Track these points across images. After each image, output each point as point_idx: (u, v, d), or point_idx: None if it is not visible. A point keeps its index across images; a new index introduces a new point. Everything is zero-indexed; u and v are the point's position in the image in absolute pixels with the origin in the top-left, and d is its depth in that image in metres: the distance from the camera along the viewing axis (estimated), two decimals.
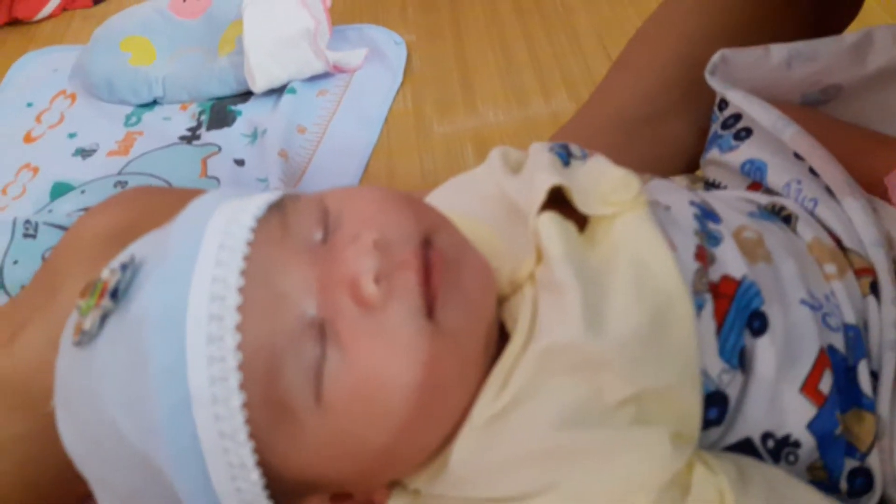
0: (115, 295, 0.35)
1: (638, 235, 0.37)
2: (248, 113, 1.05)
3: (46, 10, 1.26)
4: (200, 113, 1.06)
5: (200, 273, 0.33)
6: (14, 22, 1.25)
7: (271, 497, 0.35)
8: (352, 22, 1.17)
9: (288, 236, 0.36)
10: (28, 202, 0.99)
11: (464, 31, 1.14)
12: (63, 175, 1.01)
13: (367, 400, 0.33)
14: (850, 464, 0.39)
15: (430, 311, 0.34)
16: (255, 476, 0.34)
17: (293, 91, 1.04)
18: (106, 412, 0.34)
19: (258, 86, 1.04)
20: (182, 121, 1.06)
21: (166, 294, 0.34)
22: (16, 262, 0.92)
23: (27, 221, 0.94)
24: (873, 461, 0.39)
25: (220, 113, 1.05)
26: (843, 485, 0.39)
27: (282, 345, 0.33)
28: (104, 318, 0.35)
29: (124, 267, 0.35)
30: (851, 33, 0.54)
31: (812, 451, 0.38)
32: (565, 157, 0.43)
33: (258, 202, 0.37)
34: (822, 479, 0.38)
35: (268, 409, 0.33)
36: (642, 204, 0.38)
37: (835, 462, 0.38)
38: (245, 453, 0.33)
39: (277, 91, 1.06)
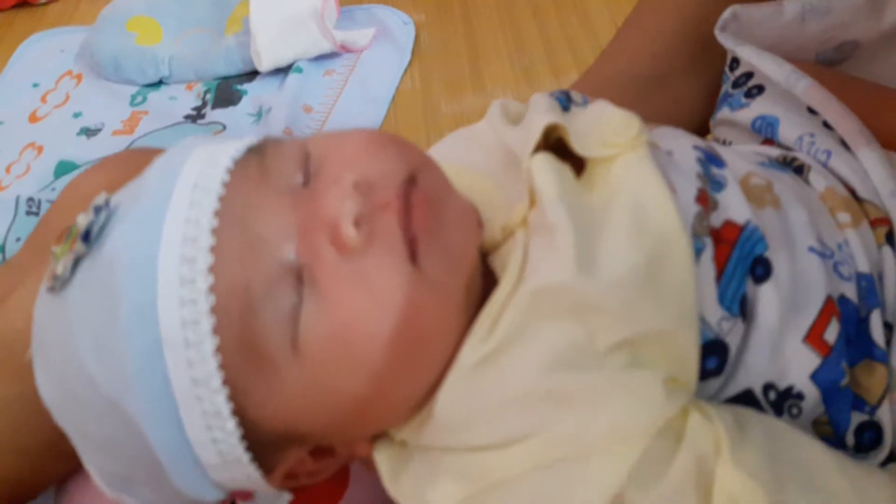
0: (87, 238, 0.33)
1: (636, 176, 0.35)
2: (254, 92, 1.04)
3: None
4: (206, 92, 1.05)
5: (173, 213, 0.32)
6: (22, 4, 1.25)
7: (249, 449, 0.33)
8: (360, 2, 1.15)
9: (267, 179, 0.34)
10: (32, 180, 0.98)
11: (473, 11, 1.12)
12: (67, 154, 1.00)
13: (345, 348, 0.32)
14: (857, 418, 0.36)
15: (412, 255, 0.32)
16: (230, 425, 0.32)
17: (300, 70, 1.03)
18: (78, 358, 0.33)
19: (264, 65, 1.03)
20: (188, 100, 1.05)
21: (138, 235, 0.32)
22: (18, 240, 0.91)
23: (30, 199, 0.93)
24: (883, 414, 0.36)
25: (226, 92, 1.04)
26: (850, 439, 0.36)
27: (257, 288, 0.32)
28: (77, 262, 0.34)
29: (98, 210, 0.34)
30: None
31: (816, 405, 0.36)
32: (565, 102, 0.41)
33: (237, 145, 0.35)
34: (827, 434, 0.36)
35: (242, 356, 0.32)
36: (642, 144, 0.36)
37: (840, 415, 0.36)
38: (220, 401, 0.32)
39: (284, 70, 1.04)
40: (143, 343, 0.31)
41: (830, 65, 0.55)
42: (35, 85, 1.12)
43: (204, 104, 1.03)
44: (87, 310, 0.33)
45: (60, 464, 0.58)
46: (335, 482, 0.58)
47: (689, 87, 0.59)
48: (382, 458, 0.36)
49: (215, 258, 0.31)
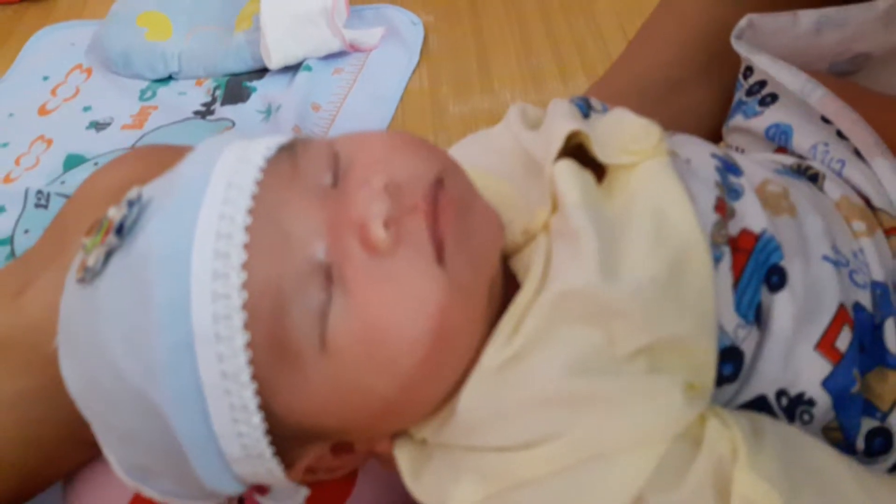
0: (120, 231, 0.34)
1: (657, 184, 0.36)
2: (263, 89, 1.04)
3: None
4: (215, 88, 1.06)
5: (207, 210, 0.32)
6: None
7: (272, 444, 0.34)
8: (370, 2, 1.16)
9: (298, 178, 0.35)
10: (41, 173, 0.99)
11: (482, 13, 1.13)
12: (77, 147, 1.01)
13: (372, 347, 0.32)
14: (868, 424, 0.37)
15: (439, 257, 0.33)
16: (256, 420, 0.33)
17: (309, 68, 1.04)
18: (106, 350, 0.33)
19: (274, 62, 1.03)
20: (197, 96, 1.06)
21: (172, 230, 0.32)
22: (27, 232, 0.92)
23: (39, 192, 0.94)
24: (894, 421, 0.37)
25: (235, 89, 1.05)
26: (860, 444, 0.37)
27: (288, 286, 0.32)
28: (109, 254, 0.34)
29: (131, 204, 0.34)
30: (882, 0, 0.52)
31: (827, 411, 0.36)
32: (585, 109, 0.42)
33: (269, 143, 0.36)
34: (837, 439, 0.37)
35: (271, 352, 0.32)
36: (663, 153, 0.37)
37: (851, 422, 0.37)
38: (247, 395, 0.32)
39: (293, 68, 1.05)
40: (175, 336, 0.31)
41: (843, 75, 0.55)
42: (45, 78, 1.13)
43: (213, 100, 1.04)
44: (118, 302, 0.33)
45: (73, 456, 0.59)
46: (343, 480, 0.59)
47: (704, 95, 0.59)
48: (403, 456, 0.36)
49: (248, 255, 0.32)
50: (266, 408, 0.33)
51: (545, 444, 0.32)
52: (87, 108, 1.07)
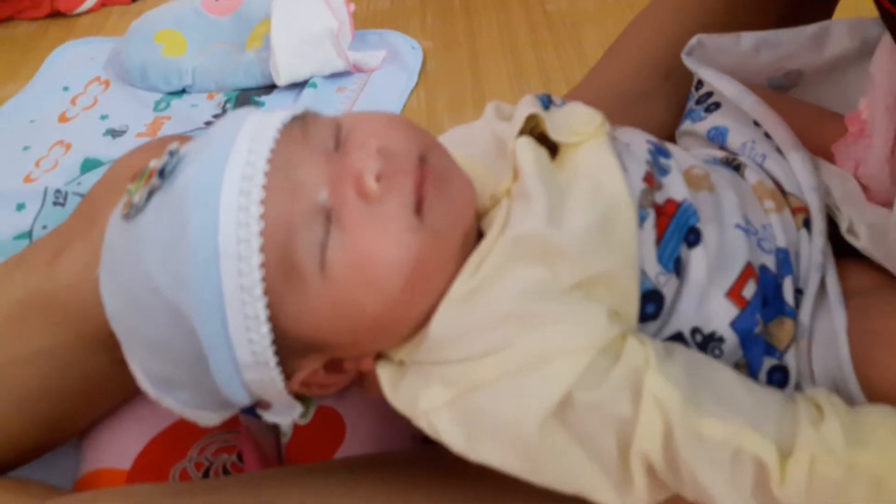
0: (161, 174, 0.43)
1: (596, 157, 0.45)
2: (271, 104, 1.14)
3: (86, 4, 1.37)
4: (226, 102, 1.15)
5: (234, 158, 0.42)
6: (55, 14, 1.36)
7: (276, 353, 0.43)
8: (373, 27, 1.26)
9: (307, 141, 0.44)
10: (59, 174, 1.07)
11: (478, 40, 1.23)
12: (93, 152, 1.09)
13: (361, 272, 0.41)
14: (769, 362, 0.46)
15: (417, 209, 0.42)
16: (265, 329, 0.41)
17: (314, 86, 1.13)
18: (145, 268, 0.42)
19: (282, 79, 1.13)
20: (208, 108, 1.15)
21: (206, 172, 0.42)
22: (45, 227, 0.99)
23: (57, 191, 1.02)
24: (790, 359, 0.46)
25: (245, 102, 1.14)
26: (763, 379, 0.46)
27: (296, 221, 0.41)
28: (151, 193, 0.43)
29: (171, 154, 0.44)
30: (812, 25, 0.62)
31: (735, 349, 0.45)
32: (546, 103, 0.51)
33: (284, 113, 0.45)
34: (744, 375, 0.45)
35: (280, 271, 0.41)
36: (603, 134, 0.46)
37: (755, 359, 0.45)
38: (259, 307, 0.41)
39: (299, 85, 1.15)
40: (205, 253, 0.40)
41: (781, 90, 0.65)
42: (65, 88, 1.22)
43: (223, 112, 1.13)
44: (158, 229, 0.42)
45: (91, 410, 0.67)
46: (333, 433, 0.67)
47: (661, 106, 0.69)
48: (384, 373, 0.45)
49: (265, 194, 0.41)
50: (273, 320, 0.42)
51: (498, 353, 0.41)
52: (104, 117, 1.16)
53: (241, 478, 0.58)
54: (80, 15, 1.37)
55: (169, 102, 1.18)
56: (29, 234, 0.98)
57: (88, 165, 1.08)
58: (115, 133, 1.13)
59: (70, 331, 0.61)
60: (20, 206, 1.00)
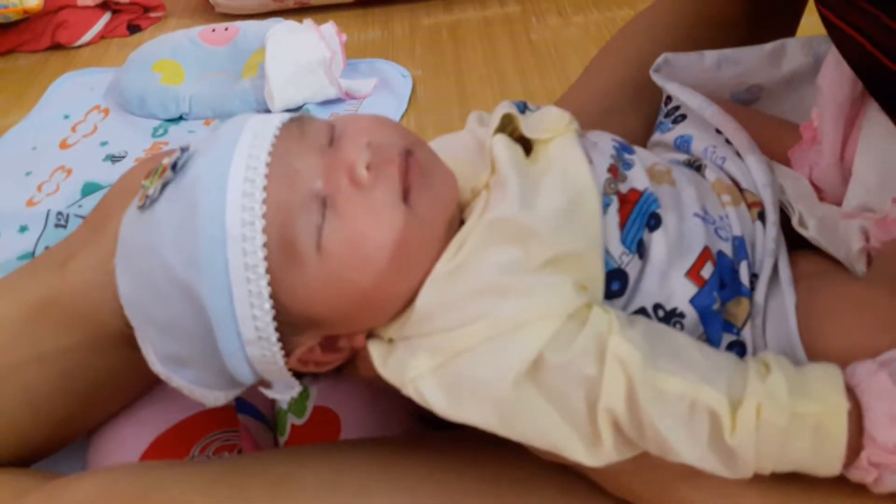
0: (174, 168, 0.49)
1: (565, 150, 0.52)
2: None
3: (86, 37, 1.44)
4: None
5: (240, 151, 0.47)
6: (56, 46, 1.43)
7: (277, 329, 0.48)
8: (364, 56, 1.34)
9: (304, 138, 0.50)
10: (61, 198, 1.13)
11: (465, 69, 1.31)
12: (94, 176, 1.15)
13: (354, 251, 0.47)
14: (728, 338, 0.51)
15: (404, 196, 0.48)
16: (267, 305, 0.47)
17: (308, 112, 1.20)
18: (159, 254, 0.48)
19: (276, 105, 1.20)
20: (204, 134, 1.21)
21: (215, 163, 0.47)
22: (47, 248, 1.05)
23: (59, 213, 1.07)
24: (746, 335, 0.52)
25: None
26: None
27: (294, 205, 0.47)
28: (164, 185, 0.49)
29: (183, 150, 0.49)
30: (769, 43, 0.69)
31: (696, 325, 0.51)
32: (521, 108, 0.57)
33: (283, 115, 0.51)
34: None
35: (281, 251, 0.47)
36: (572, 131, 0.53)
37: (714, 334, 0.51)
38: (262, 284, 0.46)
39: (293, 111, 1.21)
40: (213, 234, 0.46)
41: (744, 104, 0.71)
42: (66, 116, 1.29)
43: None
44: (171, 215, 0.48)
45: (98, 410, 0.72)
46: (329, 431, 0.72)
47: (632, 120, 0.75)
48: (374, 349, 0.50)
49: (267, 182, 0.47)
50: (274, 297, 0.47)
51: (477, 322, 0.46)
52: (103, 143, 1.23)
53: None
54: (80, 47, 1.45)
55: (167, 129, 1.24)
56: (32, 255, 1.03)
57: (89, 189, 1.14)
58: (114, 158, 1.19)
59: (80, 332, 0.66)
60: (23, 228, 1.06)
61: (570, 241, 0.48)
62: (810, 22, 0.76)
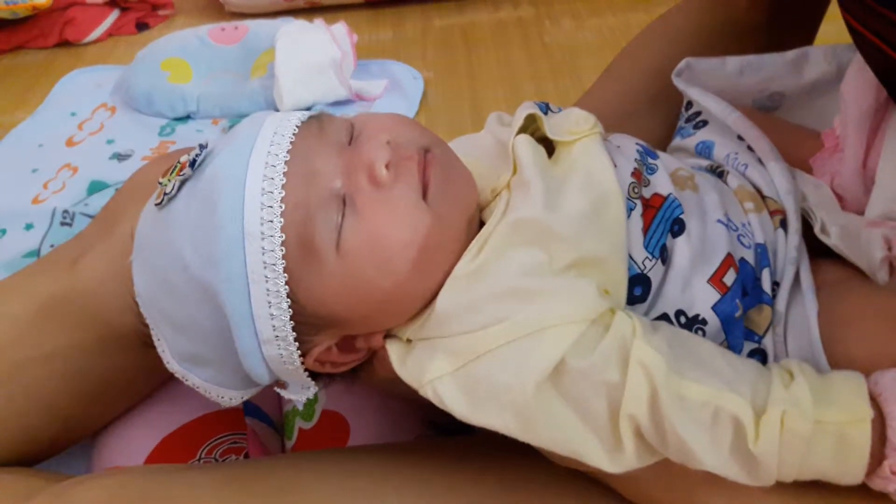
0: (192, 165, 0.49)
1: (589, 153, 0.52)
2: None
3: (95, 34, 1.45)
4: (230, 127, 1.21)
5: (258, 149, 0.48)
6: (64, 43, 1.43)
7: (294, 329, 0.48)
8: (376, 57, 1.34)
9: (323, 136, 0.50)
10: (67, 196, 1.13)
11: (477, 71, 1.31)
12: (100, 175, 1.15)
13: (373, 251, 0.47)
14: (749, 346, 0.52)
15: (424, 194, 0.48)
16: (285, 304, 0.47)
17: None
18: (176, 250, 0.48)
19: (285, 105, 1.20)
20: (212, 133, 1.22)
21: (234, 161, 0.48)
22: (52, 246, 1.05)
23: (65, 211, 1.08)
24: (768, 343, 0.52)
25: None
26: None
27: (313, 204, 0.47)
28: (182, 182, 0.49)
29: (201, 147, 0.50)
30: (792, 51, 0.69)
31: (717, 332, 0.51)
32: (544, 109, 0.57)
33: (302, 113, 0.51)
34: None
35: (300, 250, 0.47)
36: (596, 134, 0.53)
37: (736, 341, 0.51)
38: (280, 283, 0.46)
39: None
40: (232, 232, 0.46)
41: (765, 111, 0.72)
42: (73, 114, 1.29)
43: None
44: (189, 213, 0.48)
45: (107, 410, 0.72)
46: (337, 436, 0.72)
47: (652, 124, 0.75)
48: (393, 350, 0.50)
49: (286, 180, 0.47)
50: (292, 296, 0.47)
51: (498, 324, 0.46)
52: (110, 141, 1.23)
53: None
54: (88, 44, 1.45)
55: (174, 128, 1.24)
56: (37, 253, 1.03)
57: (95, 187, 1.14)
58: (120, 157, 1.20)
59: (89, 332, 0.66)
60: (28, 226, 1.06)
61: (594, 244, 0.48)
62: (831, 30, 0.76)
